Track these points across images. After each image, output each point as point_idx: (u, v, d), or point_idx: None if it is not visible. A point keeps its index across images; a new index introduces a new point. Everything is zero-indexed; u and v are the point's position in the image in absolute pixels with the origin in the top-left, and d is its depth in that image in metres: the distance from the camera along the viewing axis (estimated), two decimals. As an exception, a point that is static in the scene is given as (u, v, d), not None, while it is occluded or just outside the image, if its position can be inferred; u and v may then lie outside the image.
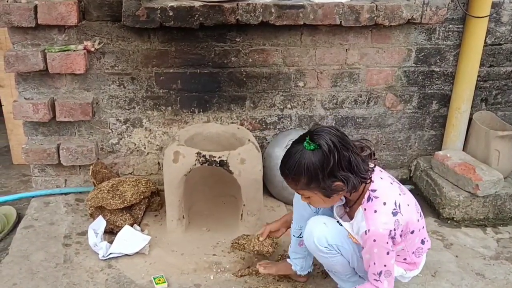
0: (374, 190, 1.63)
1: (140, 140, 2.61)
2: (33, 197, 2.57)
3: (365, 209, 1.63)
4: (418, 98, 2.71)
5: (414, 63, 2.62)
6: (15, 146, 2.88)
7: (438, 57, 2.63)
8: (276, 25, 2.33)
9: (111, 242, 2.19)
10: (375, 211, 1.61)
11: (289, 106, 2.62)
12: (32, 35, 2.32)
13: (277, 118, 2.64)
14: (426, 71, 2.65)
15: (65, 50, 2.31)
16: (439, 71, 2.66)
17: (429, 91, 2.70)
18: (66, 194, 2.60)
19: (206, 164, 2.15)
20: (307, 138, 1.57)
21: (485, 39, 2.58)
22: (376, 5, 2.36)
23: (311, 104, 2.63)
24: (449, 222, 2.54)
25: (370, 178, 1.63)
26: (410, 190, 2.76)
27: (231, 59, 2.49)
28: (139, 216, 2.38)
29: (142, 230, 2.32)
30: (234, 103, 2.59)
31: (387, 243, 1.58)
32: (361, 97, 2.66)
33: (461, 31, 2.58)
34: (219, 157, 2.15)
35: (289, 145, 1.65)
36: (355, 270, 1.84)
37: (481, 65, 2.63)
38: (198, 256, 2.19)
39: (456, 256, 2.29)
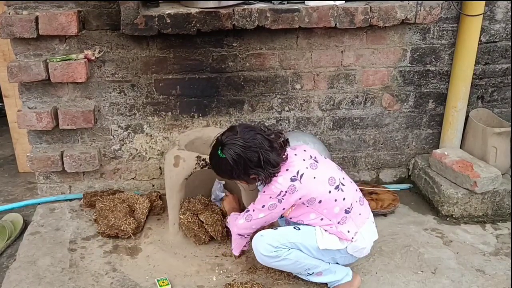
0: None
1: (141, 146, 2.65)
2: (39, 204, 2.62)
3: None
4: (415, 98, 2.73)
5: (409, 63, 2.65)
6: (20, 154, 2.93)
7: (433, 56, 2.65)
8: (272, 29, 2.36)
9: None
10: (279, 172, 1.89)
11: (286, 108, 2.66)
12: (34, 46, 2.37)
13: (275, 120, 2.67)
14: (422, 71, 2.68)
15: (66, 60, 2.35)
16: (434, 70, 2.69)
17: (425, 90, 2.73)
18: (70, 200, 2.65)
19: (207, 168, 2.19)
20: (219, 147, 1.86)
21: (480, 37, 2.60)
22: (370, 7, 2.38)
23: (308, 106, 2.66)
24: (448, 219, 2.56)
25: (285, 158, 1.90)
26: (409, 189, 2.84)
27: (228, 64, 2.53)
28: (142, 220, 2.42)
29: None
30: (232, 107, 2.62)
31: (270, 197, 1.88)
32: (357, 97, 2.68)
33: (456, 30, 2.60)
34: (219, 161, 2.18)
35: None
36: (322, 259, 1.99)
37: (477, 63, 2.65)
38: (201, 258, 2.22)
39: (456, 253, 2.31)
